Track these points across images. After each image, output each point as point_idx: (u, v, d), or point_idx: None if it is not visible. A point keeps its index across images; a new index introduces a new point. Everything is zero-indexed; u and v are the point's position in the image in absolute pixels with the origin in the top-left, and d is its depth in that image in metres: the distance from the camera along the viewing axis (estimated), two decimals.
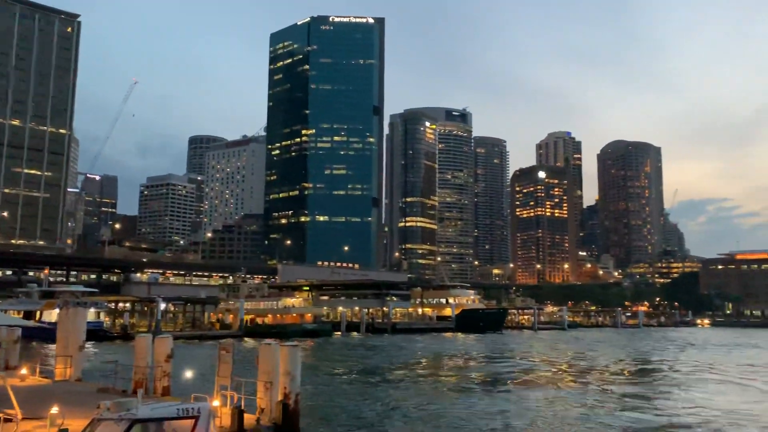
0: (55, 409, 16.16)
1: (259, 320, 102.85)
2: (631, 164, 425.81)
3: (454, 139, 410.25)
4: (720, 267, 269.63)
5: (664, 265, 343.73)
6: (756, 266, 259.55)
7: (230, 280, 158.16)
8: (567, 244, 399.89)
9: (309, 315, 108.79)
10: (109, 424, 13.37)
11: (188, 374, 29.47)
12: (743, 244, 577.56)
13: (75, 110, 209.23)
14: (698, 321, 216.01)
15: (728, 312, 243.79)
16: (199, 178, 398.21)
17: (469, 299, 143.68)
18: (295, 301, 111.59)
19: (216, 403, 19.54)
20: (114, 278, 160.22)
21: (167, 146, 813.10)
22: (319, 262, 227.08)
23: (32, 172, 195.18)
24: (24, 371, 28.05)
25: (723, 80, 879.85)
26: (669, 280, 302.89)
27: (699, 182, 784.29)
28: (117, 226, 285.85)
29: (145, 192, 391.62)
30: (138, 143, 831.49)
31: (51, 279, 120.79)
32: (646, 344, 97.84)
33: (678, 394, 39.81)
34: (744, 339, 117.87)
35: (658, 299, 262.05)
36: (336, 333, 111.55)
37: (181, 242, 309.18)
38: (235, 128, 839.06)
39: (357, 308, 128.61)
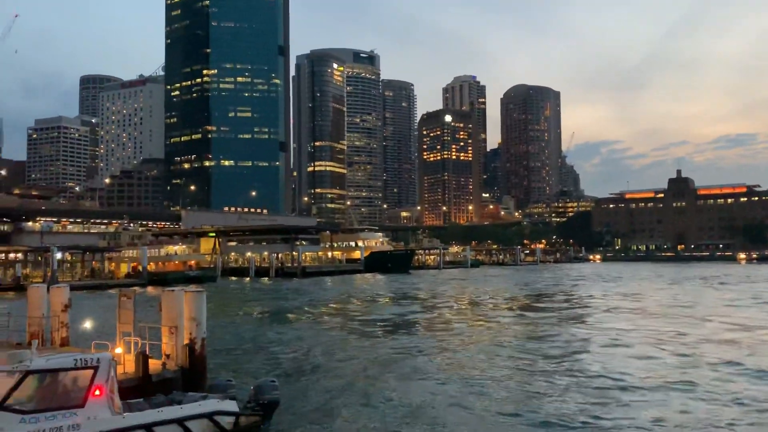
0: None
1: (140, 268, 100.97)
2: (531, 108, 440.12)
3: (363, 81, 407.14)
4: (611, 206, 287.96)
5: (560, 204, 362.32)
6: (642, 204, 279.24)
7: (136, 228, 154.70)
8: (471, 187, 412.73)
9: (192, 261, 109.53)
10: (1, 376, 12.94)
11: (88, 324, 28.65)
12: (632, 184, 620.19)
13: None
14: (591, 257, 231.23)
15: (617, 247, 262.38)
16: (93, 121, 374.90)
17: (378, 242, 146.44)
18: (177, 248, 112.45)
19: (119, 350, 19.30)
20: (3, 228, 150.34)
21: (54, 86, 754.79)
22: (226, 208, 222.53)
23: None
24: None
25: (618, 28, 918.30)
26: (565, 219, 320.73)
27: (594, 125, 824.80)
28: (3, 172, 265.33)
29: (34, 135, 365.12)
30: (22, 82, 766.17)
31: None
32: (540, 278, 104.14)
33: (569, 319, 43.06)
34: (629, 272, 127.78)
35: (554, 237, 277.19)
36: (246, 279, 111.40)
37: (77, 188, 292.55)
38: (130, 67, 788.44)
39: (266, 253, 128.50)
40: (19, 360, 13.15)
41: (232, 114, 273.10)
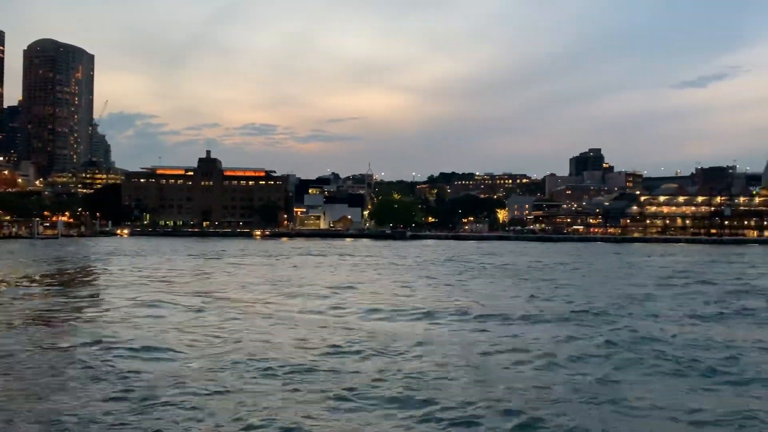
0: None
1: None
2: (61, 67, 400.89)
3: None
4: (142, 180, 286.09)
5: (88, 175, 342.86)
6: (173, 181, 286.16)
7: None
8: None
9: None
10: None
11: None
12: (165, 160, 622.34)
13: None
14: (118, 231, 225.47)
15: (146, 222, 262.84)
16: None
17: None
18: None
19: None
20: None
21: None
22: None
23: None
24: None
25: (166, 2, 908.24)
26: (93, 191, 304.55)
27: (131, 96, 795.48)
28: None
29: None
30: None
31: None
32: (59, 253, 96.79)
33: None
34: (142, 246, 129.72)
35: (80, 210, 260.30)
36: None
37: None
38: None
39: None
40: None
41: None
